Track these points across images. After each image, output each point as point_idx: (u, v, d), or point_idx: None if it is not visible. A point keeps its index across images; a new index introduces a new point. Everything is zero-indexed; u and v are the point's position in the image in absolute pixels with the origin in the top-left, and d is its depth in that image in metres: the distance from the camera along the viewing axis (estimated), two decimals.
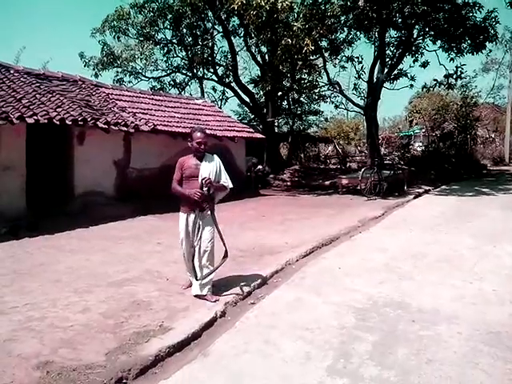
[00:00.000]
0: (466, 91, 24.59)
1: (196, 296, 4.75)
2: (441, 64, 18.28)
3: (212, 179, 4.64)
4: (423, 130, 28.78)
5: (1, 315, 4.27)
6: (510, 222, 9.40)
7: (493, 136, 34.30)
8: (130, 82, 22.18)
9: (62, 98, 10.28)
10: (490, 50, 18.31)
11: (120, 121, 10.72)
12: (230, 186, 4.88)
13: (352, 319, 4.35)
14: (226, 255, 4.78)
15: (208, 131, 13.13)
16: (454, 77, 18.12)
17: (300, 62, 15.77)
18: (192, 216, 4.72)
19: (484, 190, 15.46)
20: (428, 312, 4.50)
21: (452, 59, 17.16)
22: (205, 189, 4.56)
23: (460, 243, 7.48)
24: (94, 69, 20.83)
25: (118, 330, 3.95)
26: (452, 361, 3.50)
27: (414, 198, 13.82)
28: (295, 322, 4.28)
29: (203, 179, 4.57)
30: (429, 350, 3.67)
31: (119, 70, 21.71)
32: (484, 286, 5.28)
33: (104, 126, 10.12)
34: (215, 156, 4.86)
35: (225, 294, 4.87)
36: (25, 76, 10.88)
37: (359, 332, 4.05)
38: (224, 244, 4.73)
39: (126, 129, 10.71)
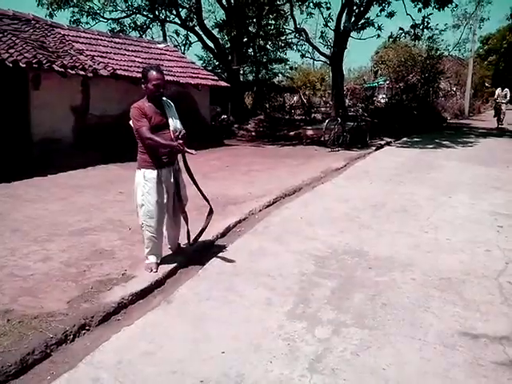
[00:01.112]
0: (432, 43, 24.59)
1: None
2: (407, 14, 18.14)
3: (181, 127, 4.13)
4: (387, 82, 28.84)
5: None
6: (466, 174, 9.72)
7: (454, 89, 34.78)
8: (87, 23, 20.97)
9: (14, 39, 9.67)
10: (456, 5, 18.25)
11: (77, 64, 10.23)
12: (183, 131, 4.18)
13: (312, 266, 4.49)
14: (211, 211, 4.53)
15: (171, 78, 12.84)
16: (421, 27, 18.05)
17: (266, 7, 15.33)
18: (165, 171, 4.12)
19: (444, 142, 15.84)
20: (384, 259, 4.69)
21: (420, 10, 17.04)
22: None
23: (418, 194, 7.71)
24: (48, 8, 19.55)
25: (80, 279, 3.94)
26: (405, 305, 3.68)
27: (376, 149, 14.02)
28: (257, 269, 4.38)
29: (179, 133, 4.02)
30: (383, 295, 3.85)
31: (76, 9, 20.46)
32: (438, 235, 5.51)
33: (60, 70, 9.64)
34: (168, 100, 4.24)
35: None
36: None
37: (318, 278, 4.19)
38: (206, 198, 4.47)
39: (83, 73, 10.24)
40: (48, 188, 7.53)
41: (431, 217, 6.35)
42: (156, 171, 4.04)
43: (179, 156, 4.25)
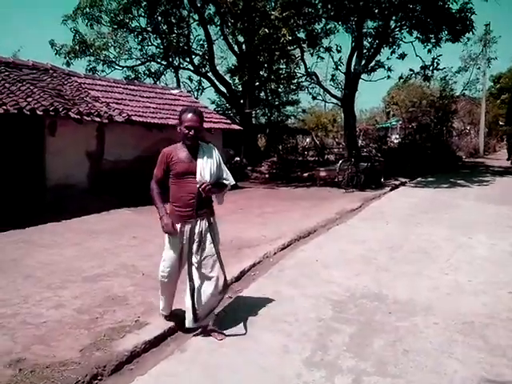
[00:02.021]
0: (445, 84, 24.88)
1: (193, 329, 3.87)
2: (417, 55, 18.48)
3: (212, 179, 3.66)
4: (400, 122, 29.06)
5: None
6: (483, 214, 9.57)
7: (468, 128, 34.88)
8: (103, 71, 21.69)
9: (32, 88, 10.00)
10: (468, 39, 18.56)
11: (93, 111, 10.49)
12: (232, 182, 3.89)
13: (329, 311, 4.36)
14: (226, 285, 3.96)
15: None
16: (431, 68, 18.32)
17: (277, 53, 15.70)
18: (187, 227, 3.68)
19: (459, 181, 15.72)
20: (404, 303, 4.54)
21: (429, 50, 17.37)
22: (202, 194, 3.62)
23: (436, 234, 7.58)
24: (65, 57, 20.29)
25: (92, 326, 3.87)
26: (428, 351, 3.54)
27: (391, 190, 13.95)
28: (273, 315, 4.27)
29: (202, 185, 3.57)
30: (405, 341, 3.70)
31: (92, 58, 21.18)
32: (459, 277, 5.36)
33: (76, 117, 9.88)
34: (212, 146, 3.84)
35: None
36: None
37: (337, 324, 4.06)
38: (222, 269, 3.83)
39: (99, 119, 10.48)
40: (62, 233, 7.55)
41: (450, 258, 6.21)
42: (179, 225, 3.69)
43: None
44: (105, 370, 3.24)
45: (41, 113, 9.12)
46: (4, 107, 8.40)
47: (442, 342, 3.69)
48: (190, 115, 3.64)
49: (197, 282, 3.69)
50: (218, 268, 3.78)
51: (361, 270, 5.70)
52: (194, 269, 3.70)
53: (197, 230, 3.66)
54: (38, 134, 9.85)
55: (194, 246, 3.68)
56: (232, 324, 4.06)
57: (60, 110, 9.54)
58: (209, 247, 3.72)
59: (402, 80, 20.01)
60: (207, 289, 3.73)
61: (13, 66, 11.12)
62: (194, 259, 3.70)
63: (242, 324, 4.04)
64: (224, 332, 3.85)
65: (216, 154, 3.77)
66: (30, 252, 6.34)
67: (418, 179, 16.94)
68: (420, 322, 4.09)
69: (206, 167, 3.64)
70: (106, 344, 3.55)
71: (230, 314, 4.33)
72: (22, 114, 8.81)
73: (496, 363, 3.35)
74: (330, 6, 15.76)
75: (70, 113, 9.75)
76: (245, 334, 3.86)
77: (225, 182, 3.83)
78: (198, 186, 3.58)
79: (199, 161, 3.65)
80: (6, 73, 10.29)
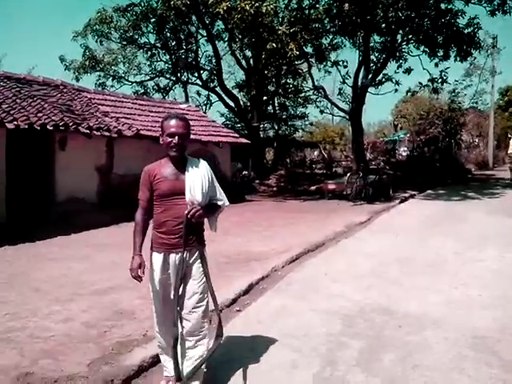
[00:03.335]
0: (454, 96, 24.85)
1: None
2: (424, 69, 18.52)
3: (204, 199, 3.02)
4: (408, 135, 29.03)
5: None
6: (494, 226, 9.49)
7: (477, 141, 34.77)
8: (112, 86, 22.10)
9: (43, 103, 10.15)
10: (475, 58, 18.59)
11: (102, 126, 10.61)
12: (227, 203, 3.22)
13: (338, 326, 4.32)
14: (220, 334, 3.16)
15: (192, 136, 13.08)
16: (439, 81, 18.32)
17: (285, 67, 15.82)
18: (173, 257, 3.03)
19: (469, 194, 15.62)
20: (414, 317, 4.49)
21: (437, 64, 17.39)
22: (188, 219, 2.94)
23: (445, 248, 7.51)
24: (74, 72, 20.62)
25: (100, 340, 3.86)
26: (438, 366, 3.48)
27: (400, 202, 13.89)
28: (281, 329, 4.23)
29: (191, 210, 2.92)
30: (415, 356, 3.65)
31: (101, 73, 21.55)
32: (469, 291, 5.30)
33: (86, 131, 10.00)
34: (202, 161, 3.18)
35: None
36: (5, 80, 10.73)
37: (346, 338, 4.01)
38: (217, 312, 3.25)
39: (108, 134, 10.60)
40: (71, 247, 7.59)
41: (460, 271, 6.14)
42: (160, 256, 3.07)
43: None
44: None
45: (51, 128, 9.24)
46: (15, 122, 8.53)
47: (452, 357, 3.63)
48: (172, 121, 3.01)
49: (183, 327, 3.07)
50: (209, 310, 3.18)
51: (370, 283, 5.65)
52: (180, 311, 3.04)
53: (184, 263, 2.99)
54: (48, 148, 9.98)
55: (180, 283, 3.00)
56: (238, 338, 4.03)
57: (70, 124, 9.66)
58: (199, 285, 3.06)
59: (409, 93, 20.03)
60: (195, 337, 3.07)
61: (24, 82, 11.32)
62: (181, 299, 3.03)
63: (249, 339, 4.01)
64: None
65: (207, 168, 3.14)
66: (39, 265, 6.37)
67: (428, 192, 16.84)
68: (430, 336, 4.03)
69: (197, 184, 3.01)
70: (113, 358, 3.53)
71: (237, 327, 4.31)
72: (33, 129, 8.92)
73: (509, 379, 3.28)
74: (336, 22, 15.89)
75: (79, 128, 9.88)
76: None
77: (218, 202, 3.18)
78: (187, 208, 2.95)
79: (188, 176, 3.02)
80: (17, 88, 10.47)
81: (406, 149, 29.08)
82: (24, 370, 3.32)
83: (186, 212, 2.91)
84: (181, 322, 3.06)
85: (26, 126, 8.70)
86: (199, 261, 3.06)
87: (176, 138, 2.96)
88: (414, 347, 3.81)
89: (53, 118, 9.48)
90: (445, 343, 3.89)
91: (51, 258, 6.85)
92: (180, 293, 3.01)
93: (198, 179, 3.03)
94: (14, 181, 9.07)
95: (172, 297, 3.00)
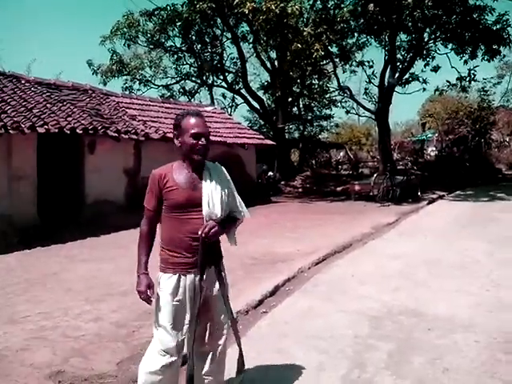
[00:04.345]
0: (484, 95, 24.25)
1: None
2: (452, 67, 18.17)
3: (223, 212, 2.57)
4: (436, 135, 28.53)
5: (14, 324, 4.27)
6: None
7: (507, 140, 33.91)
8: (139, 89, 22.39)
9: (72, 107, 10.38)
10: (504, 56, 18.14)
11: (130, 129, 10.78)
12: (247, 215, 2.76)
13: (366, 328, 4.27)
14: (240, 370, 2.76)
15: (218, 138, 13.20)
16: (468, 79, 17.94)
17: (310, 68, 15.78)
18: (189, 279, 2.54)
19: (499, 194, 15.24)
20: (444, 320, 4.41)
21: (465, 62, 17.01)
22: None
23: (475, 249, 7.36)
24: (102, 76, 21.00)
25: (129, 340, 3.92)
26: (469, 370, 3.41)
27: (428, 203, 13.66)
28: (308, 330, 4.22)
29: (205, 228, 2.45)
30: (445, 359, 3.58)
31: (128, 77, 21.87)
32: (501, 294, 5.17)
33: (114, 135, 10.19)
34: (218, 165, 2.72)
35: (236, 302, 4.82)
36: (35, 86, 11.00)
37: (374, 341, 3.97)
38: (239, 343, 2.74)
39: (136, 137, 10.77)
40: (101, 248, 7.73)
41: (491, 273, 6.00)
42: (175, 277, 2.55)
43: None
44: None
45: (80, 132, 9.44)
46: (46, 127, 8.74)
47: (484, 360, 3.55)
48: (195, 119, 2.53)
49: (199, 361, 2.64)
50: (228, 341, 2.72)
51: (398, 285, 5.58)
52: (194, 342, 2.53)
53: (201, 285, 2.51)
54: (77, 152, 10.20)
55: (197, 309, 2.51)
56: (265, 339, 4.03)
57: (99, 128, 9.85)
58: (219, 310, 2.63)
59: (437, 92, 19.69)
60: (212, 373, 2.69)
61: (54, 87, 11.59)
62: (197, 328, 2.54)
63: (276, 340, 4.01)
64: None
65: (226, 175, 2.71)
66: (70, 266, 6.52)
67: (457, 192, 16.53)
68: (460, 339, 3.95)
69: (216, 195, 2.54)
70: (142, 358, 3.57)
71: (264, 328, 4.31)
72: (63, 133, 9.13)
73: None
74: (362, 21, 15.77)
75: (108, 131, 10.06)
76: None
77: (236, 215, 2.73)
78: (204, 225, 2.47)
79: (206, 186, 2.55)
80: (48, 94, 10.72)
81: (434, 149, 28.60)
82: (56, 368, 3.40)
83: (200, 232, 2.45)
84: (192, 356, 2.57)
85: (57, 130, 8.91)
86: (220, 282, 2.61)
87: (203, 139, 2.51)
88: (444, 350, 3.74)
89: (82, 122, 9.69)
90: (476, 346, 3.81)
91: (81, 259, 6.99)
92: (200, 321, 2.55)
93: (217, 189, 2.56)
94: (45, 184, 9.30)
95: (186, 328, 2.54)
